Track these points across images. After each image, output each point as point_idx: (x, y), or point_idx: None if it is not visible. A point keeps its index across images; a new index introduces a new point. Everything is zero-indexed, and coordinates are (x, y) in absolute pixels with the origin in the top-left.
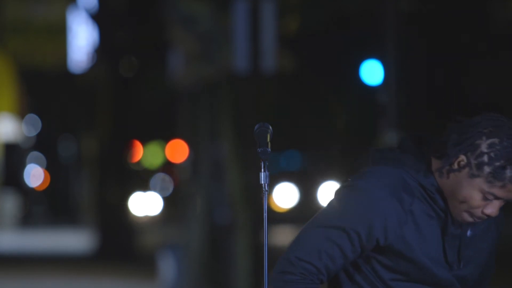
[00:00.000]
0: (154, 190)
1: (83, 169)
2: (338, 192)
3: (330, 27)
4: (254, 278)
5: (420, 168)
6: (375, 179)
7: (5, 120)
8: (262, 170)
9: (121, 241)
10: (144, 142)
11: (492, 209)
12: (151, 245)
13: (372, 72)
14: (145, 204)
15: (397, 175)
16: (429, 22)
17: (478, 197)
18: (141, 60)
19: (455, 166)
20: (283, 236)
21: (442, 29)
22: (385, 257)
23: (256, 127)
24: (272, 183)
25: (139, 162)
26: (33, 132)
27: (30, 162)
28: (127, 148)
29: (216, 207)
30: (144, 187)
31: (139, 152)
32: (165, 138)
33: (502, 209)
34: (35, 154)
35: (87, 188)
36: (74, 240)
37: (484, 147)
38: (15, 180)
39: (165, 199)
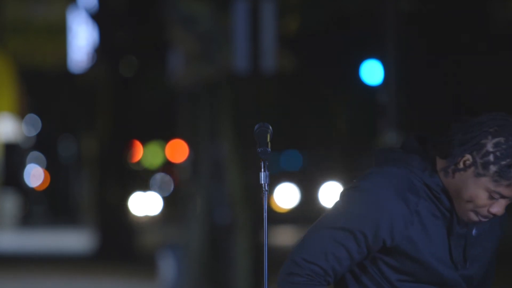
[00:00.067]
0: (154, 190)
1: (83, 169)
2: (343, 194)
3: (330, 27)
4: (254, 278)
5: (425, 168)
6: (381, 180)
7: (5, 120)
8: (262, 170)
9: (121, 241)
10: (144, 142)
11: (498, 208)
12: (151, 245)
13: (372, 72)
14: (145, 204)
15: (402, 175)
16: (429, 22)
17: (484, 196)
18: (141, 60)
19: (461, 165)
20: (284, 237)
21: (442, 29)
22: (392, 258)
23: (256, 127)
24: (272, 183)
25: (139, 162)
26: (33, 132)
27: (30, 162)
28: (127, 148)
29: (216, 207)
30: (144, 187)
31: (139, 152)
32: (165, 138)
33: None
34: (35, 154)
35: (87, 188)
36: (74, 240)
37: (490, 146)
38: (15, 180)
39: (165, 199)
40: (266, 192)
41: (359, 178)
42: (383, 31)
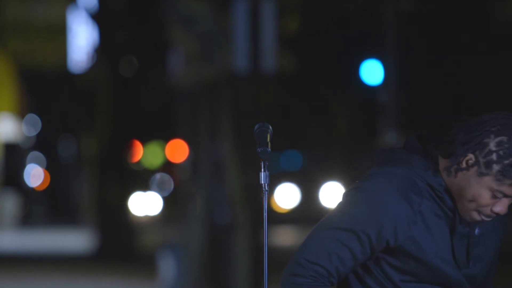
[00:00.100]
0: (154, 190)
1: (83, 169)
2: (346, 195)
3: (330, 27)
4: (254, 278)
5: (428, 168)
6: (384, 180)
7: (5, 120)
8: (262, 170)
9: (121, 241)
10: (144, 142)
11: (501, 207)
12: (151, 245)
13: (372, 72)
14: (145, 204)
15: (405, 175)
16: (429, 22)
17: (487, 196)
18: (141, 60)
19: (463, 165)
20: (285, 237)
21: (442, 29)
22: (395, 258)
23: (256, 127)
24: (273, 184)
25: (139, 162)
26: (33, 132)
27: (30, 162)
28: (127, 148)
29: (216, 207)
30: (144, 187)
31: (139, 152)
32: (165, 138)
33: None
34: (35, 154)
35: (87, 188)
36: (74, 240)
37: (492, 145)
38: (15, 180)
39: (165, 199)
40: (266, 192)
41: (361, 179)
42: (383, 31)
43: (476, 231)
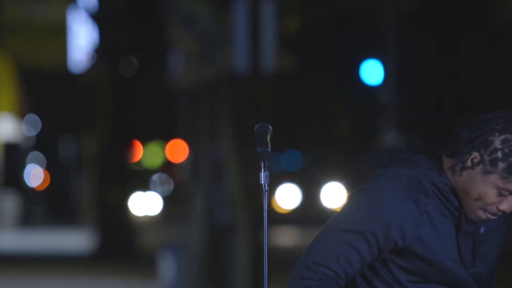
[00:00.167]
0: (154, 190)
1: (83, 169)
2: (352, 196)
3: (330, 27)
4: (254, 278)
5: (432, 168)
6: (389, 181)
7: (5, 120)
8: (262, 170)
9: (121, 241)
10: (144, 142)
11: (507, 205)
12: (151, 245)
13: (372, 72)
14: (145, 204)
15: (410, 175)
16: (429, 22)
17: (492, 194)
18: (141, 60)
19: (468, 163)
20: (286, 237)
21: (442, 29)
22: (402, 259)
23: (256, 127)
24: (273, 184)
25: (139, 162)
26: (33, 132)
27: (30, 162)
28: (127, 148)
29: (216, 207)
30: (144, 187)
31: (139, 152)
32: (165, 138)
33: None
34: (35, 154)
35: (87, 188)
36: (74, 240)
37: (497, 143)
38: (15, 180)
39: (165, 199)
40: (266, 192)
41: (367, 180)
42: (383, 31)
43: (482, 229)
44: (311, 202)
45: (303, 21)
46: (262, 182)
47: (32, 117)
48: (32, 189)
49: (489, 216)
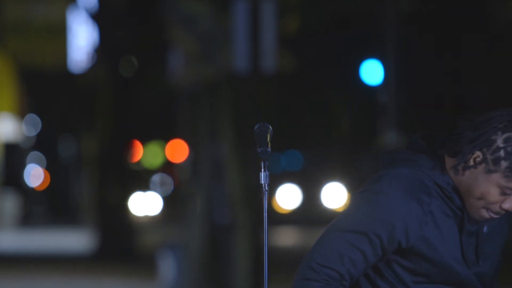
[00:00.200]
0: (154, 190)
1: (83, 169)
2: (355, 197)
3: (330, 27)
4: (254, 278)
5: (434, 167)
6: (392, 182)
7: (5, 120)
8: (262, 170)
9: (121, 241)
10: (144, 142)
11: (510, 203)
12: (151, 245)
13: (372, 72)
14: (145, 204)
15: (413, 176)
16: (429, 22)
17: (495, 193)
18: (141, 60)
19: (471, 162)
20: (287, 237)
21: (442, 29)
22: (407, 259)
23: (256, 127)
24: (274, 184)
25: (139, 162)
26: (33, 132)
27: (30, 162)
28: (127, 148)
29: (216, 207)
30: (144, 187)
31: (139, 152)
32: (165, 138)
33: None
34: (35, 154)
35: (87, 188)
36: (74, 240)
37: (500, 142)
38: (15, 180)
39: (165, 199)
40: (266, 192)
41: (370, 181)
42: (383, 31)
43: (485, 229)
44: (312, 202)
45: (303, 21)
46: (262, 182)
47: (32, 117)
48: (32, 189)
49: (492, 215)
